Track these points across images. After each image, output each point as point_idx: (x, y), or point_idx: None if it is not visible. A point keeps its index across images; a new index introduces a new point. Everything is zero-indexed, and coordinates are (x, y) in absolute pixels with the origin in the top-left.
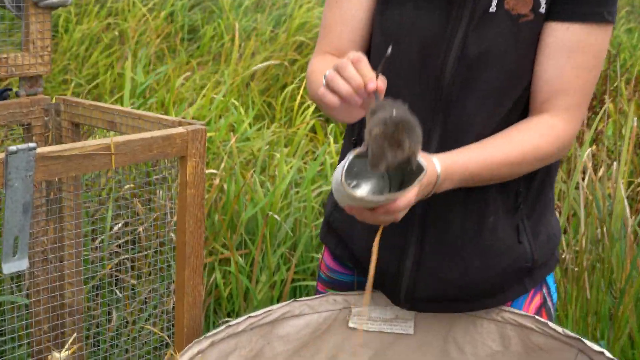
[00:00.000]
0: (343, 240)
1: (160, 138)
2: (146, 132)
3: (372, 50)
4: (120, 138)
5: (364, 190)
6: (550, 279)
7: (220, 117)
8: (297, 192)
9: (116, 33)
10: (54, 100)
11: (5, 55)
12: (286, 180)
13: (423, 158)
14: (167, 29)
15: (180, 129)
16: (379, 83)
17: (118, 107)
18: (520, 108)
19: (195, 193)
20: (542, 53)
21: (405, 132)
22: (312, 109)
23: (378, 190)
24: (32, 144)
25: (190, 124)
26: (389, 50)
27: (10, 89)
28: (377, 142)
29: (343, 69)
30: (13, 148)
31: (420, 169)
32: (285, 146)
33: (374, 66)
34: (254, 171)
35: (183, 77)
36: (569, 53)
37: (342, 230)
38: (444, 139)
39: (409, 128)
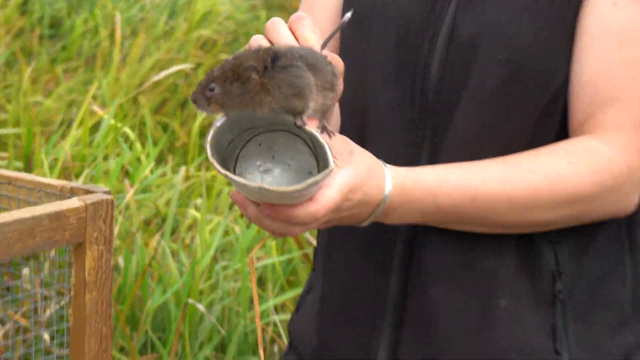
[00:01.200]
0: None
1: (46, 217)
2: (25, 207)
3: (341, 46)
4: None
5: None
6: None
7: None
8: (226, 267)
9: None
10: None
11: None
12: (210, 249)
13: (365, 159)
14: (19, 22)
15: (75, 202)
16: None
17: None
18: (552, 128)
19: (99, 297)
20: (579, 44)
21: (259, 62)
22: None
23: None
24: None
25: (88, 191)
26: (347, 15)
27: None
28: (214, 70)
29: (273, 31)
30: None
31: (324, 161)
32: (202, 196)
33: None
34: (162, 236)
35: (43, 90)
36: (619, 42)
37: (297, 339)
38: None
39: (278, 58)
